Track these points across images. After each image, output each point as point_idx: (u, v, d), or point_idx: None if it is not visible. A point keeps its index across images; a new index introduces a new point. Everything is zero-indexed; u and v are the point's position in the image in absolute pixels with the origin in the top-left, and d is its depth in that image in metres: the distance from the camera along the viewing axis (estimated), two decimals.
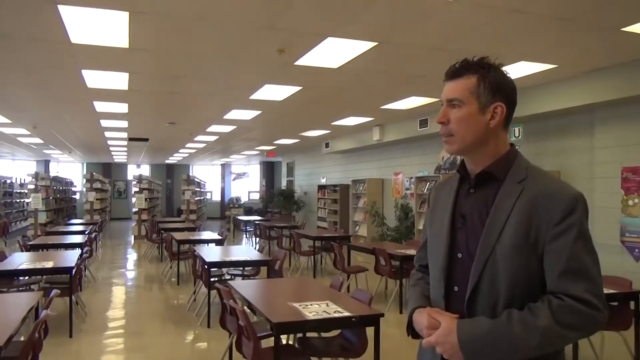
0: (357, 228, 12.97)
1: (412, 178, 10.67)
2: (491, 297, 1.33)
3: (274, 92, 7.43)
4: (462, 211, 1.45)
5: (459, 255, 1.41)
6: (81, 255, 6.18)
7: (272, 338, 3.08)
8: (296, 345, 3.61)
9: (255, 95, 7.64)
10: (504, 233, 1.32)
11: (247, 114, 9.47)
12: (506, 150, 1.45)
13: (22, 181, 17.82)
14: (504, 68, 1.44)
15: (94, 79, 6.52)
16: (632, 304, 4.13)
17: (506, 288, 1.31)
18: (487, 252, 1.34)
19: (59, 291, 3.75)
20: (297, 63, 5.71)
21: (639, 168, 5.96)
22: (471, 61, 1.42)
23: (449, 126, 1.42)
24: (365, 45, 5.07)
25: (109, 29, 4.58)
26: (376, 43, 4.99)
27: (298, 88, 7.13)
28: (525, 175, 1.39)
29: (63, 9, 4.08)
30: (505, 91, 1.42)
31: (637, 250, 5.97)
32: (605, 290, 4.03)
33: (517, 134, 7.15)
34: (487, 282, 1.33)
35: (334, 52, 5.31)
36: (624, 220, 6.11)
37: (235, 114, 9.47)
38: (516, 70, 5.98)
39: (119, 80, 6.63)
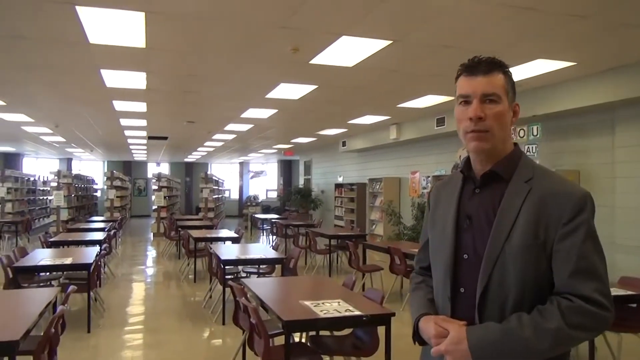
0: (373, 227, 12.94)
1: (429, 177, 10.60)
2: (500, 298, 1.32)
3: (290, 91, 7.45)
4: (467, 211, 1.44)
5: (465, 256, 1.40)
6: (99, 252, 6.29)
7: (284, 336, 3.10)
8: (308, 344, 3.62)
9: (272, 94, 7.68)
10: (513, 233, 1.32)
11: (264, 113, 9.52)
12: (511, 149, 1.44)
13: (45, 179, 18.20)
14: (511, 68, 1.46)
15: (113, 78, 6.63)
16: None
17: (515, 288, 1.31)
18: (496, 252, 1.33)
19: (76, 287, 3.83)
20: (312, 62, 5.71)
21: None
22: (495, 59, 1.41)
23: (486, 122, 1.36)
24: (380, 44, 5.05)
25: (126, 29, 4.65)
26: (391, 41, 4.96)
27: (314, 87, 7.14)
28: (532, 175, 1.38)
29: (81, 10, 4.15)
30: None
31: None
32: (624, 292, 3.99)
33: (535, 133, 7.04)
34: (496, 282, 1.32)
35: (348, 51, 5.30)
36: None
37: (252, 113, 9.53)
38: (534, 68, 5.89)
39: (137, 80, 6.72)
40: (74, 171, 19.74)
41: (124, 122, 10.86)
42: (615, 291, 3.98)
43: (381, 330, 3.25)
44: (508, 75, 1.41)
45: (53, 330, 2.94)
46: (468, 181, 1.49)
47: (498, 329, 1.28)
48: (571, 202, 1.30)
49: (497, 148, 1.40)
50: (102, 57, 5.63)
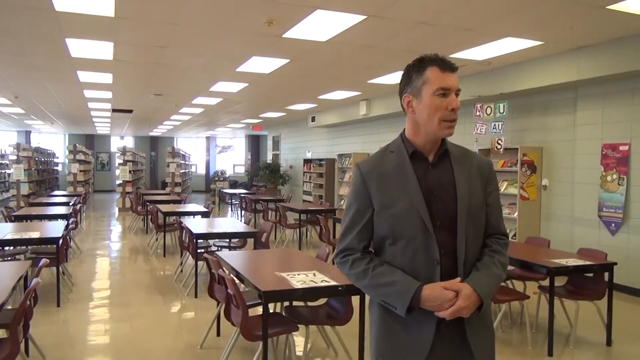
0: (342, 202, 13.08)
1: None
2: (473, 250, 1.67)
3: (262, 65, 7.38)
4: (428, 185, 1.65)
5: (438, 223, 1.63)
6: (67, 225, 6.18)
7: (259, 307, 3.15)
8: (283, 314, 3.70)
9: (243, 68, 7.58)
10: (472, 196, 1.66)
11: (234, 87, 9.40)
12: None
13: (3, 152, 17.53)
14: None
15: (78, 48, 6.41)
16: (606, 276, 4.28)
17: (480, 240, 1.70)
18: (464, 216, 1.63)
19: (48, 260, 3.78)
20: (285, 35, 5.67)
21: (619, 145, 6.11)
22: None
23: (456, 113, 1.65)
24: (355, 19, 5.05)
25: None
26: (365, 16, 4.97)
27: (286, 61, 7.09)
28: (462, 152, 1.73)
29: None
30: None
31: (613, 224, 6.16)
32: (582, 262, 4.20)
33: (502, 110, 7.22)
34: (470, 238, 1.65)
35: (322, 25, 5.29)
36: (602, 195, 6.28)
37: (222, 86, 9.40)
38: (503, 46, 6.02)
39: (103, 50, 6.52)
40: (33, 144, 19.06)
41: (88, 93, 10.52)
42: (574, 261, 4.20)
43: (355, 300, 3.36)
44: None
45: (28, 302, 2.92)
46: (415, 159, 1.69)
47: (487, 275, 1.63)
48: (491, 168, 1.76)
49: None
50: (68, 26, 5.43)
